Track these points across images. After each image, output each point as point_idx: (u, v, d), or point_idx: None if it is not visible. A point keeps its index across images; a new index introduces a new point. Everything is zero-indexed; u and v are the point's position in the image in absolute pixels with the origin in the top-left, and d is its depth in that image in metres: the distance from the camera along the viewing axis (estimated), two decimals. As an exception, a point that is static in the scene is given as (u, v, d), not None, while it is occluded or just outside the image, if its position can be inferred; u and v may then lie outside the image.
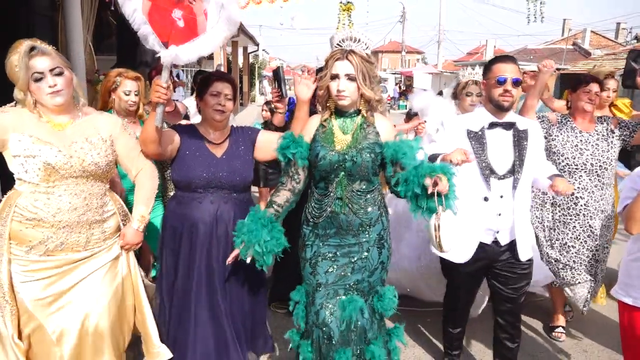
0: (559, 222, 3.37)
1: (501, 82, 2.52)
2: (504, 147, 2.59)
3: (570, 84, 3.50)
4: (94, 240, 2.25)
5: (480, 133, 2.58)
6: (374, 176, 2.33)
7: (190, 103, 3.65)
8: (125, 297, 2.37)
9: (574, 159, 3.30)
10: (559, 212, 3.36)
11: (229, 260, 2.35)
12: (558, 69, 20.61)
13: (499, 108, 2.57)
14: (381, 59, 51.83)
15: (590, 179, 3.29)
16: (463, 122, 2.66)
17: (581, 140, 3.31)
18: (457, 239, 2.21)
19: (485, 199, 2.57)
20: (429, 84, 27.29)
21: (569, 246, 3.34)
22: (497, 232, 2.62)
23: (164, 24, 2.21)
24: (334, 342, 2.26)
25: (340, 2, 9.27)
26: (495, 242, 2.63)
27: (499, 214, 2.58)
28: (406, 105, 27.42)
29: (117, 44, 7.84)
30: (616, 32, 31.67)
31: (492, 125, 2.60)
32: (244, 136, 2.62)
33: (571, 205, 3.33)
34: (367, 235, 2.33)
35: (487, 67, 2.66)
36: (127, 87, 3.14)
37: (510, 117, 2.63)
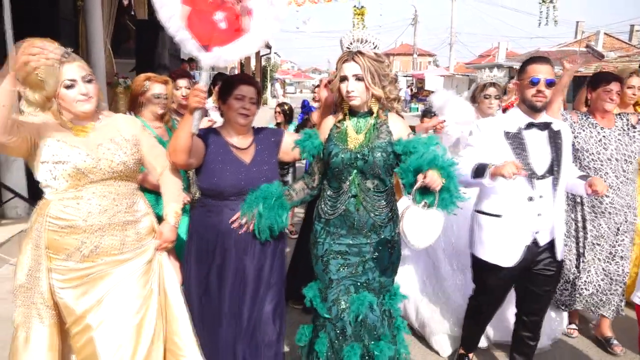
0: (585, 220, 3.35)
1: (534, 83, 2.54)
2: (541, 147, 2.61)
3: (590, 82, 3.44)
4: (129, 242, 2.21)
5: (517, 133, 2.60)
6: (387, 176, 2.36)
7: (216, 117, 3.70)
8: (161, 299, 2.32)
9: (599, 154, 3.28)
10: (584, 210, 3.35)
11: (235, 224, 2.39)
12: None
13: (532, 108, 2.58)
14: (393, 61, 51.82)
15: (616, 176, 3.27)
16: (498, 123, 2.67)
17: (604, 136, 3.29)
18: (424, 238, 2.14)
19: (530, 198, 2.57)
20: (440, 86, 27.28)
21: (594, 244, 3.32)
22: (537, 232, 2.62)
23: (205, 27, 2.20)
24: (347, 336, 2.31)
25: (354, 7, 9.38)
26: (535, 242, 2.63)
27: (539, 214, 2.59)
28: (418, 108, 27.48)
29: (136, 48, 7.98)
30: (630, 34, 31.39)
31: (529, 126, 2.61)
32: (267, 138, 2.58)
33: (596, 203, 3.31)
34: (378, 236, 2.37)
35: (522, 68, 2.67)
36: (156, 90, 3.08)
37: (544, 117, 2.66)
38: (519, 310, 2.86)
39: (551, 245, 2.64)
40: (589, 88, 3.43)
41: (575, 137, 3.24)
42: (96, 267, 2.14)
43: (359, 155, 2.30)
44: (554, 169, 2.58)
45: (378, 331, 2.36)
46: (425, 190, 2.07)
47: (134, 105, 3.11)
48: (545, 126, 2.61)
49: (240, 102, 2.40)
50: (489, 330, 3.29)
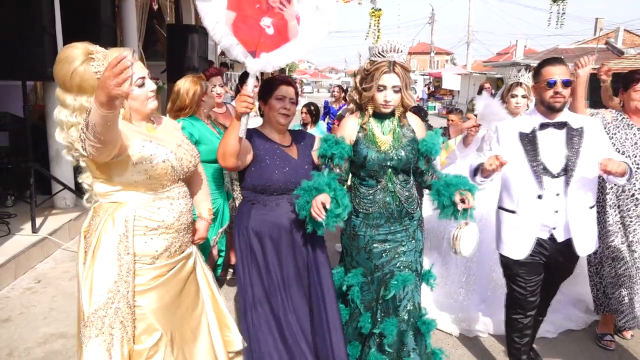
0: (620, 224, 3.27)
1: (551, 85, 2.58)
2: (557, 146, 2.63)
3: (622, 83, 3.39)
4: (189, 238, 2.25)
5: (531, 135, 2.66)
6: (412, 168, 2.59)
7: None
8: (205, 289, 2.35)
9: (635, 157, 3.19)
10: (619, 214, 3.28)
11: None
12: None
13: (551, 110, 2.62)
14: (409, 60, 51.82)
15: None
16: (515, 125, 2.74)
17: None
18: (475, 247, 2.47)
19: (539, 196, 2.62)
20: (457, 84, 27.34)
21: (632, 250, 3.22)
22: (554, 228, 2.66)
23: (252, 33, 2.18)
24: (396, 312, 2.48)
25: (373, 8, 9.68)
26: (552, 238, 2.68)
27: (556, 211, 2.63)
28: (435, 107, 27.60)
29: (167, 52, 8.35)
30: (651, 30, 30.97)
31: (543, 126, 2.64)
32: (305, 140, 2.67)
33: (631, 207, 3.24)
34: (410, 221, 2.59)
35: (537, 71, 2.70)
36: (212, 83, 3.48)
37: (563, 116, 2.67)
38: None
39: (570, 242, 2.66)
40: (621, 88, 3.37)
41: (610, 139, 3.15)
42: (172, 264, 2.11)
43: (392, 155, 2.47)
44: (568, 168, 2.60)
45: (421, 310, 2.54)
46: (456, 208, 2.43)
47: (197, 106, 3.30)
48: (562, 125, 2.63)
49: (281, 102, 2.47)
50: (487, 320, 3.48)
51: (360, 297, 2.57)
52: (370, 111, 2.49)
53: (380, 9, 10.30)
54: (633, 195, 3.20)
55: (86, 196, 2.13)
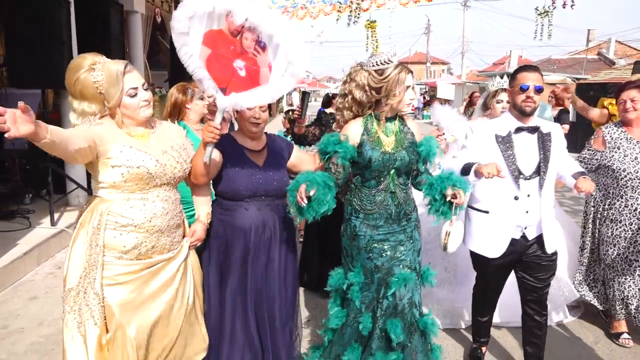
0: (620, 237, 3.36)
1: (524, 89, 2.69)
2: (530, 149, 2.74)
3: (615, 94, 3.49)
4: (175, 242, 2.33)
5: (507, 137, 2.74)
6: (412, 170, 2.65)
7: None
8: (195, 293, 2.47)
9: (637, 172, 3.26)
10: (620, 227, 3.37)
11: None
12: (577, 79, 21.00)
13: (522, 113, 2.72)
14: (406, 70, 52.27)
15: None
16: (490, 127, 2.82)
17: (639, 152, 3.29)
18: (459, 244, 2.56)
19: (516, 197, 2.72)
20: (452, 94, 27.80)
21: (630, 260, 3.32)
22: (525, 227, 2.78)
23: (224, 71, 2.23)
24: (391, 313, 2.52)
25: (368, 20, 10.19)
26: (524, 237, 2.79)
27: (527, 212, 2.74)
28: (430, 116, 28.12)
29: (170, 62, 8.85)
30: (642, 41, 31.48)
31: (518, 130, 2.74)
32: (280, 146, 2.71)
33: (634, 221, 3.32)
34: (408, 222, 2.63)
35: (513, 76, 2.82)
36: (200, 93, 3.24)
37: (534, 121, 2.78)
38: (522, 302, 2.99)
39: (539, 239, 2.80)
40: (616, 100, 3.47)
41: (611, 157, 3.33)
42: (147, 264, 2.22)
43: (396, 156, 2.51)
44: (541, 170, 2.71)
45: (421, 308, 2.60)
46: (445, 203, 2.48)
47: (178, 112, 3.24)
48: (534, 129, 2.75)
49: (252, 111, 2.49)
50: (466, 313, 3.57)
51: (360, 297, 2.58)
52: (384, 116, 2.55)
53: (375, 21, 10.79)
54: (636, 209, 3.30)
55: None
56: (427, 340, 2.64)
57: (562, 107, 6.17)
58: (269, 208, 2.54)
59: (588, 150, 3.58)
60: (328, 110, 4.56)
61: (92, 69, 2.07)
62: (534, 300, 2.90)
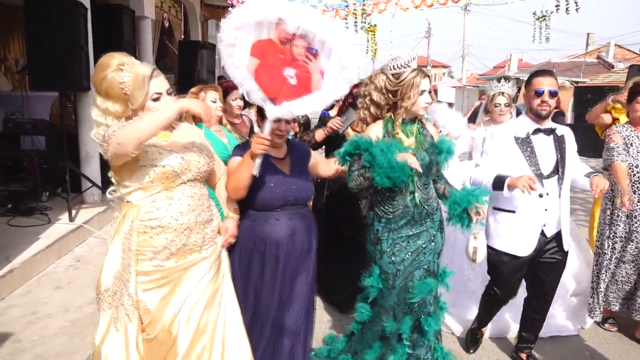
0: (636, 232, 3.42)
1: (539, 94, 2.79)
2: (547, 150, 2.85)
3: (627, 96, 3.56)
4: (207, 239, 2.31)
5: (526, 138, 2.85)
6: (432, 171, 2.68)
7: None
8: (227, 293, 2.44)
9: None
10: (635, 223, 3.43)
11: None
12: (575, 82, 21.24)
13: (538, 116, 2.83)
14: (407, 73, 52.41)
15: None
16: (509, 130, 2.91)
17: None
18: (485, 254, 2.74)
19: (540, 195, 2.82)
20: (452, 97, 28.04)
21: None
22: (544, 225, 2.89)
23: (273, 81, 2.20)
24: (408, 312, 2.62)
25: (368, 24, 10.48)
26: (542, 233, 2.90)
27: (546, 209, 2.86)
28: (429, 116, 28.27)
29: (178, 66, 9.13)
30: (641, 44, 31.72)
31: (536, 132, 2.85)
32: (299, 152, 2.68)
33: None
34: (431, 222, 2.64)
35: (528, 80, 2.91)
36: (211, 97, 3.43)
37: (549, 124, 2.90)
38: (528, 295, 3.14)
39: (558, 235, 2.93)
40: (629, 103, 3.56)
41: (626, 153, 3.39)
42: (181, 264, 2.22)
43: (418, 157, 2.50)
44: (558, 169, 2.83)
45: (429, 308, 2.65)
46: (469, 219, 2.58)
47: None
48: (551, 131, 2.88)
49: (277, 124, 2.44)
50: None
51: (381, 302, 2.64)
52: (400, 119, 2.58)
53: (375, 25, 11.08)
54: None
55: (110, 189, 2.31)
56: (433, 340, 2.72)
57: (557, 110, 6.40)
58: (299, 216, 2.53)
59: (608, 148, 3.51)
60: (331, 113, 4.78)
61: (119, 69, 2.09)
62: (544, 295, 3.05)
